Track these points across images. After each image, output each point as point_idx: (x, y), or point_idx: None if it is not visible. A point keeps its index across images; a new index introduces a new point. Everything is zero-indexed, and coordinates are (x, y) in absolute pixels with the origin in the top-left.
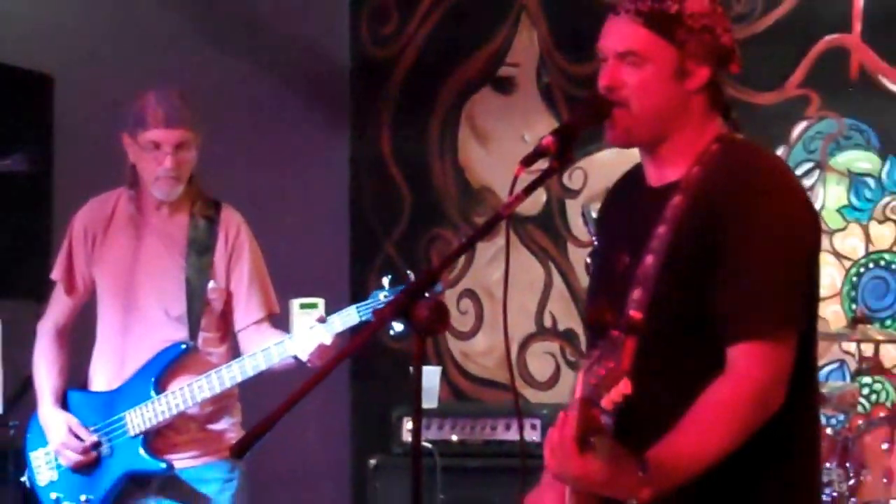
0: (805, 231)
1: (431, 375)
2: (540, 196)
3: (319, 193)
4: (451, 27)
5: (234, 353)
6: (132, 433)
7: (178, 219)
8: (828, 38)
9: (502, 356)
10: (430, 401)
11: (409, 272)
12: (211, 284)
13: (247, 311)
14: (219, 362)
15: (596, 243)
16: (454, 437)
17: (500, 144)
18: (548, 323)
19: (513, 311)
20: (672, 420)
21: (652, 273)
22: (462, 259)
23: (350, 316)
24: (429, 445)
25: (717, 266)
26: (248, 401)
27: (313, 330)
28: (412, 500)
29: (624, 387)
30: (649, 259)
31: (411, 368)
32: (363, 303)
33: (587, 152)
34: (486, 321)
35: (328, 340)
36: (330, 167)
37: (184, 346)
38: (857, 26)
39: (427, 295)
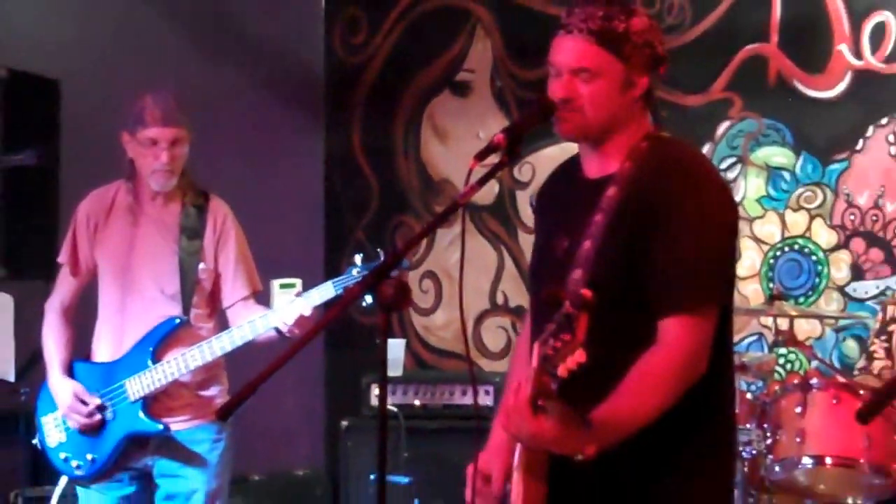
0: (726, 218)
1: (396, 347)
2: (493, 187)
3: (297, 185)
4: (414, 38)
5: (222, 327)
6: (132, 398)
7: (172, 207)
8: (748, 47)
9: (459, 330)
10: (395, 369)
11: (379, 251)
12: (201, 266)
13: (233, 289)
14: (208, 335)
15: (535, 227)
16: (417, 402)
17: (457, 142)
18: (500, 300)
19: (469, 290)
20: (610, 384)
21: (590, 256)
22: (423, 243)
23: (327, 290)
24: (394, 409)
25: (649, 250)
26: (234, 370)
27: (293, 303)
28: (378, 457)
29: (579, 356)
30: (587, 244)
31: (378, 340)
32: (339, 278)
33: (535, 148)
34: (445, 299)
35: (307, 312)
36: (306, 162)
37: (178, 321)
38: (775, 37)
39: (395, 272)
